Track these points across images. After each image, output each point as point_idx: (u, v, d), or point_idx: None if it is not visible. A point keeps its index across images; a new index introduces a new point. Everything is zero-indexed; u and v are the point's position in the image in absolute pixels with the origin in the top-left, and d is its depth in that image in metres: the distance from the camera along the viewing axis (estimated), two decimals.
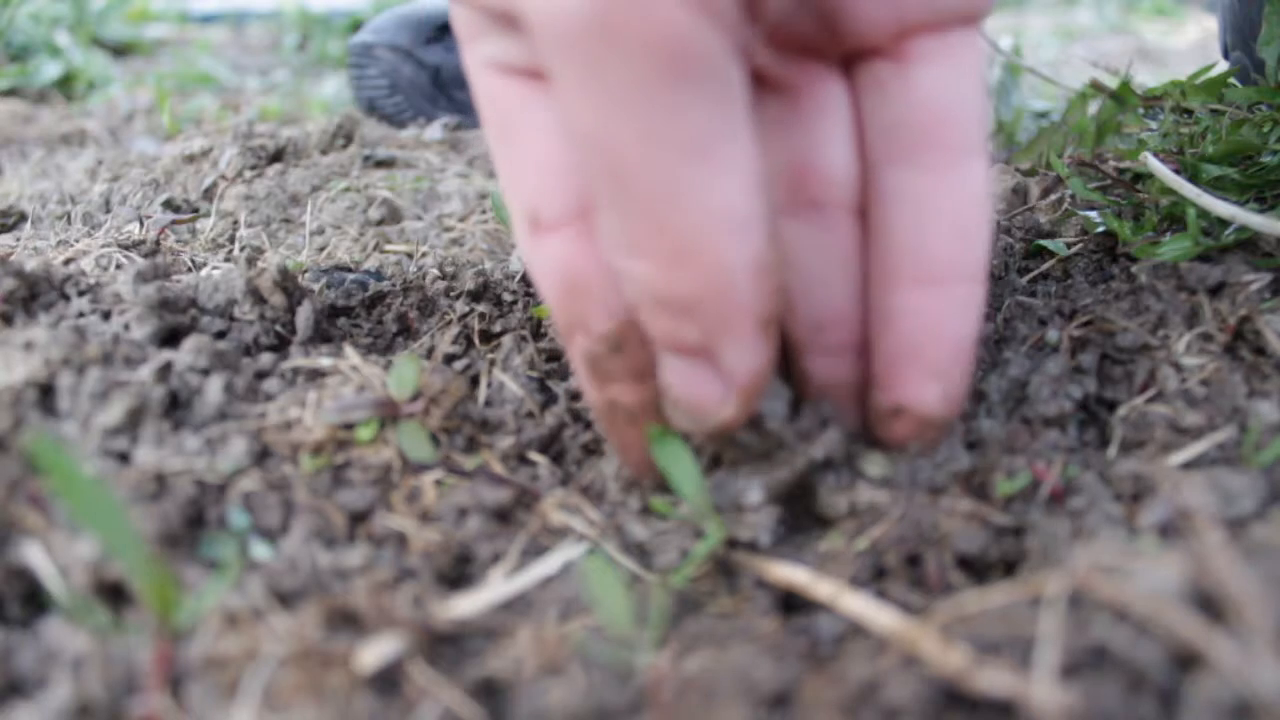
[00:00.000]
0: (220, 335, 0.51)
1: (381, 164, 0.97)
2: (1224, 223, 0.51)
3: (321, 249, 0.78)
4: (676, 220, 0.30)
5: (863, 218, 0.37)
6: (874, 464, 0.40)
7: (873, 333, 0.38)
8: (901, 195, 0.35)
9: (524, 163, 0.35)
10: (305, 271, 0.66)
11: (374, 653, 0.30)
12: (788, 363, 0.40)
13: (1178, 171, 0.58)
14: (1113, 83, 0.78)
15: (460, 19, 0.36)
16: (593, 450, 0.47)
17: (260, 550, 0.37)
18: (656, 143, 0.29)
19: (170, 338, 0.49)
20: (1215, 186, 0.56)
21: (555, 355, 0.53)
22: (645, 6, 0.27)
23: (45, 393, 0.42)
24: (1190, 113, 0.70)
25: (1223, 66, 0.83)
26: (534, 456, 0.45)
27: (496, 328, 0.55)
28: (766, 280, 0.32)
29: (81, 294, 0.52)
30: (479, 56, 0.36)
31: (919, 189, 0.35)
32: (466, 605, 0.34)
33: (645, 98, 0.28)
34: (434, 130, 1.11)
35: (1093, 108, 0.79)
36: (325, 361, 0.47)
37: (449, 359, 0.53)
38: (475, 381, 0.50)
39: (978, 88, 0.35)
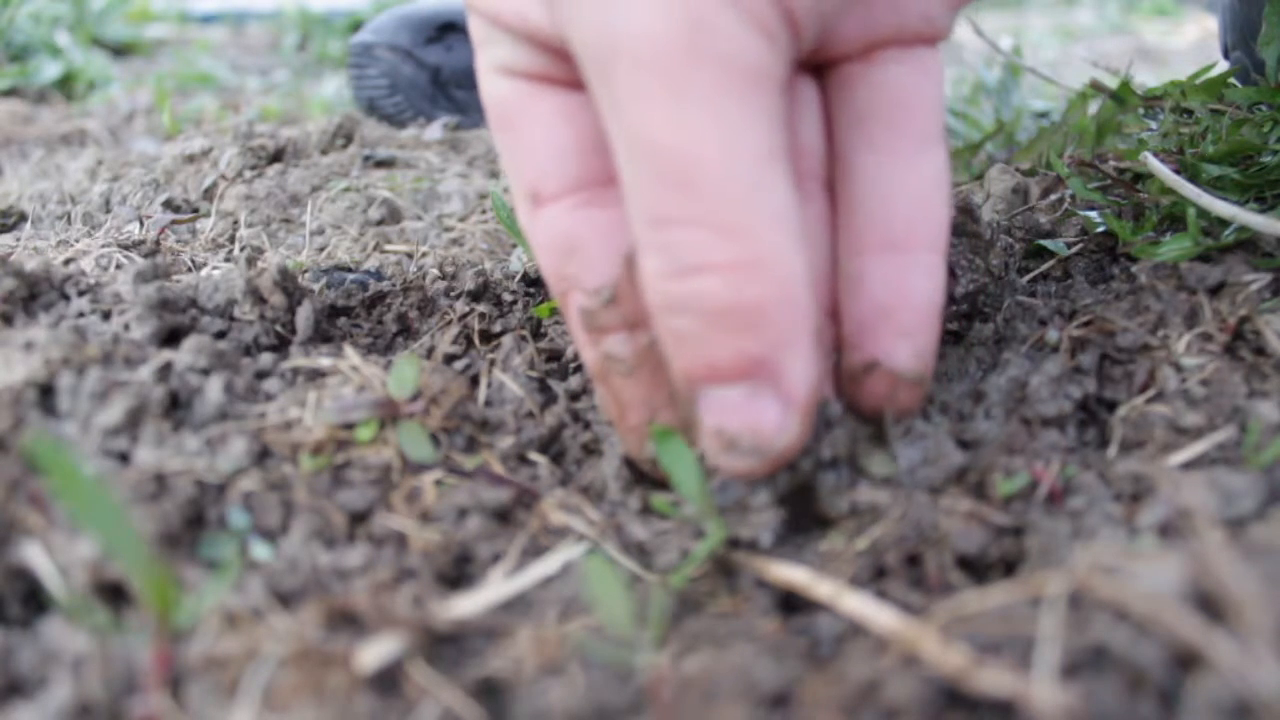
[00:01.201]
0: (220, 335, 0.51)
1: (381, 164, 0.97)
2: (1224, 223, 0.51)
3: (321, 249, 0.78)
4: (749, 223, 0.32)
5: (831, 194, 0.40)
6: (876, 463, 0.40)
7: (843, 299, 0.40)
8: (869, 174, 0.39)
9: (525, 149, 0.40)
10: (305, 271, 0.66)
11: (374, 653, 0.30)
12: None
13: (1178, 171, 0.58)
14: (1113, 83, 0.78)
15: (474, 26, 0.40)
16: (593, 450, 0.47)
17: (260, 550, 0.37)
18: (734, 149, 0.32)
19: (170, 338, 0.49)
20: (1215, 186, 0.56)
21: (555, 355, 0.53)
22: (725, 30, 0.31)
23: (45, 393, 0.42)
24: (1190, 113, 0.70)
25: (1223, 66, 0.83)
26: (534, 456, 0.45)
27: (496, 328, 0.55)
28: (814, 286, 0.33)
29: (81, 294, 0.52)
30: (488, 60, 0.40)
31: (885, 168, 0.38)
32: (466, 605, 0.34)
33: (725, 109, 0.31)
34: (434, 130, 1.11)
35: (1093, 108, 0.79)
36: (325, 361, 0.47)
37: (449, 359, 0.53)
38: (475, 381, 0.50)
39: (938, 87, 0.39)
